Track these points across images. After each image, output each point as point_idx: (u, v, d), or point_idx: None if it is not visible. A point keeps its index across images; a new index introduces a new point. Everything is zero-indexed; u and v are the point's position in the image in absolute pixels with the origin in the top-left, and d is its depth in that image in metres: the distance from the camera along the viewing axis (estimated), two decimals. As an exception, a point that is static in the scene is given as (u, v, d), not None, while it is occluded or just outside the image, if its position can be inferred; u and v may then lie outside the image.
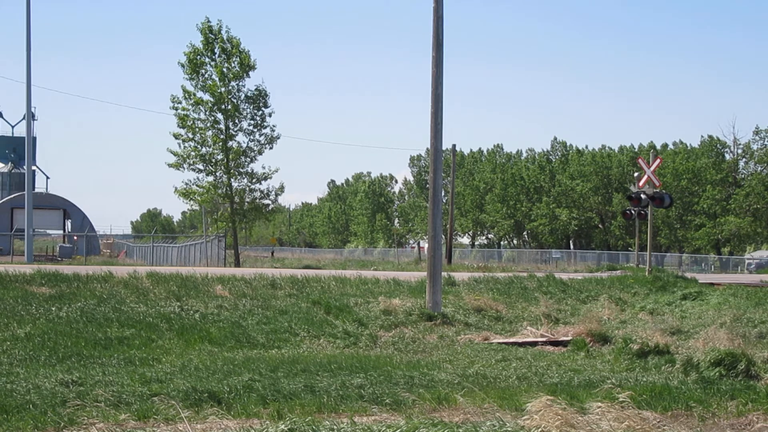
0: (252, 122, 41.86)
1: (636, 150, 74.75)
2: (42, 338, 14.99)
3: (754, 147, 66.06)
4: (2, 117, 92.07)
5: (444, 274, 22.61)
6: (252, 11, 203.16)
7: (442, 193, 51.32)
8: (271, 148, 42.73)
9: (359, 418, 9.63)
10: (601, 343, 17.66)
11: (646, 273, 28.74)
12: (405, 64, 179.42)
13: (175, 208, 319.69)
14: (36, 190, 73.44)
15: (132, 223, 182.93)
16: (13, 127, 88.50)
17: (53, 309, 17.29)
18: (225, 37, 40.59)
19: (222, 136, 40.94)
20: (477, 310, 20.82)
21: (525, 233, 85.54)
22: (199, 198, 41.88)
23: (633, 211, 29.79)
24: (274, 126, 43.14)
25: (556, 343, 17.95)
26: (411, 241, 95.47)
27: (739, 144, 67.21)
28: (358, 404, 10.65)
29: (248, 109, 41.62)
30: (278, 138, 42.33)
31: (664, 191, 32.56)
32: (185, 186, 41.48)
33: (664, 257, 62.99)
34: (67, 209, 71.20)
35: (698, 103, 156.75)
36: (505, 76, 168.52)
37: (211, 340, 16.06)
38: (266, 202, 43.47)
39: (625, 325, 19.91)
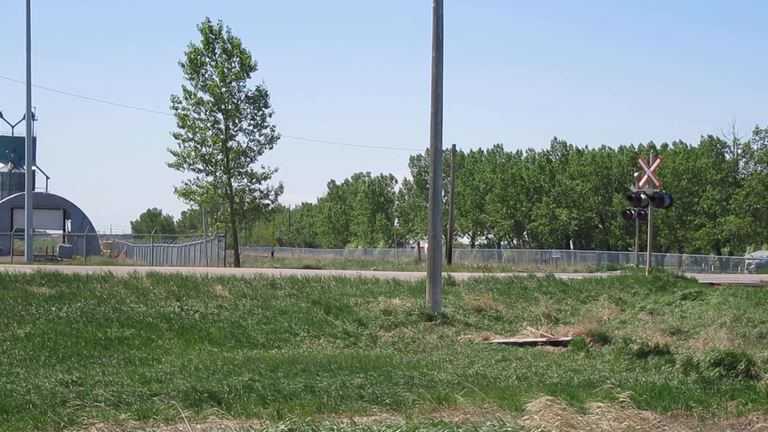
0: (252, 122, 41.92)
1: (636, 150, 74.77)
2: (42, 338, 14.99)
3: (754, 147, 66.14)
4: (2, 117, 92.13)
5: (444, 274, 22.60)
6: (252, 11, 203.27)
7: (442, 193, 51.27)
8: (271, 148, 42.90)
9: (359, 418, 9.62)
10: (601, 343, 17.66)
11: (646, 273, 28.73)
12: (405, 64, 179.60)
13: (175, 208, 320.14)
14: (36, 190, 73.40)
15: (132, 223, 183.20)
16: (13, 127, 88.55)
17: (53, 309, 17.29)
18: (225, 37, 40.62)
19: (222, 136, 40.95)
20: (477, 310, 20.80)
21: (525, 233, 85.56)
22: (199, 198, 41.90)
23: (633, 211, 29.79)
24: (274, 126, 43.35)
25: (556, 343, 17.94)
26: (411, 241, 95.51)
27: (739, 144, 67.32)
28: (358, 404, 10.64)
29: (248, 110, 41.66)
30: (278, 138, 42.46)
31: (664, 191, 32.57)
32: (185, 186, 41.53)
33: (664, 257, 63.00)
34: (67, 209, 71.13)
35: (698, 103, 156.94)
36: (505, 76, 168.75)
37: (211, 340, 16.06)
38: (266, 202, 43.56)
39: (625, 325, 19.90)
